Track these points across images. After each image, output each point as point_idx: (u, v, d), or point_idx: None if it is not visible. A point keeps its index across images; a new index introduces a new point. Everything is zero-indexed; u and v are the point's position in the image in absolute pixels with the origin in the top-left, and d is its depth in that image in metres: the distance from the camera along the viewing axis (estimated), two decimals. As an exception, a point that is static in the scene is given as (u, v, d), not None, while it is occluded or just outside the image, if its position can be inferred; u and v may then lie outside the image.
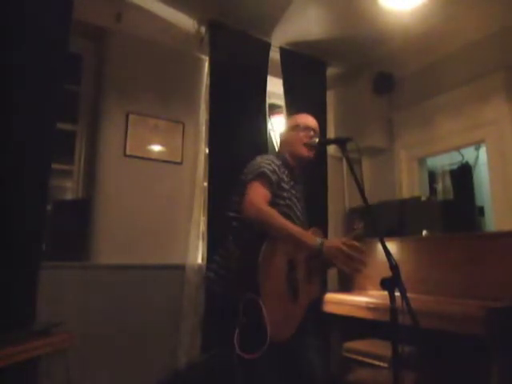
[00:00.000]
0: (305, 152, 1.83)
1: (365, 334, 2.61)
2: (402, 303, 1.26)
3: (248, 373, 1.52)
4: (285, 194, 1.73)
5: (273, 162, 1.71)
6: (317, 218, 3.00)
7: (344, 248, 1.46)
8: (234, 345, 1.42)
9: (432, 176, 3.91)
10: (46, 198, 2.16)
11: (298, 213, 1.81)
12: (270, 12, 2.90)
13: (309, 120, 1.90)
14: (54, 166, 2.33)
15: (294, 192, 1.79)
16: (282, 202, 1.71)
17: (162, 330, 2.62)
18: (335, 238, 1.61)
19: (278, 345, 1.47)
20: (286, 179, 1.76)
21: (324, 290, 2.88)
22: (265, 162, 1.69)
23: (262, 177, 1.63)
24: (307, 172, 1.97)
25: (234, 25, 2.97)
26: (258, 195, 1.59)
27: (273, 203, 1.66)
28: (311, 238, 1.55)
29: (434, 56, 3.17)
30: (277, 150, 1.99)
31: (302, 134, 1.84)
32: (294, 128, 1.88)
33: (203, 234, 2.85)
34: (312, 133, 1.86)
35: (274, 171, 1.67)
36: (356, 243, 1.49)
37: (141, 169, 2.77)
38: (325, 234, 1.97)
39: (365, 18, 2.90)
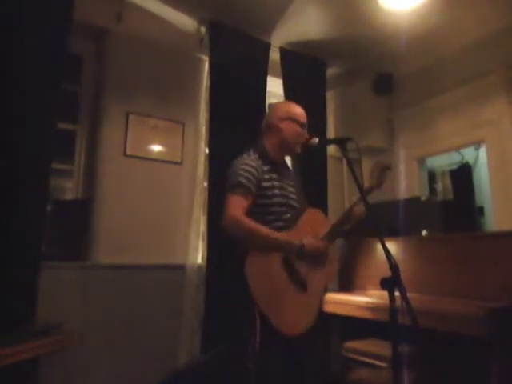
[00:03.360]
0: (298, 149, 1.87)
1: (365, 334, 2.60)
2: (402, 303, 1.27)
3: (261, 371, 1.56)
4: (269, 193, 1.74)
5: (250, 165, 1.73)
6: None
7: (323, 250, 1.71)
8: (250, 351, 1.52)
9: (432, 176, 3.90)
10: (46, 197, 2.16)
11: (293, 202, 1.82)
12: (270, 12, 2.90)
13: (304, 115, 1.91)
14: (54, 166, 2.33)
15: (277, 184, 1.79)
16: (267, 201, 1.73)
17: (162, 330, 2.62)
18: (312, 240, 1.70)
19: (296, 338, 1.57)
20: (267, 177, 1.76)
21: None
22: (242, 169, 1.71)
23: (237, 187, 1.68)
24: (298, 162, 1.99)
25: (234, 25, 2.97)
26: (234, 208, 1.64)
27: (259, 205, 1.71)
28: (290, 244, 1.66)
29: (433, 56, 3.17)
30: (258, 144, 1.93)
31: (299, 130, 1.85)
32: (292, 120, 1.86)
33: (203, 234, 2.85)
34: (306, 132, 1.88)
35: (251, 176, 1.70)
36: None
37: (141, 169, 2.77)
38: (324, 212, 2.02)
39: (365, 18, 2.90)
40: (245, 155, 1.81)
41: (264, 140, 1.91)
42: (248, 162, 1.74)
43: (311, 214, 1.85)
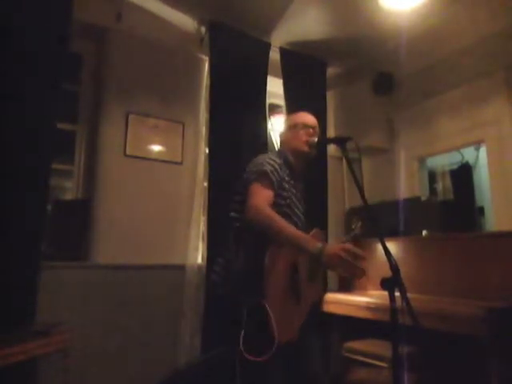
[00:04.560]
0: (306, 148, 1.81)
1: (365, 334, 2.60)
2: (402, 303, 1.26)
3: (252, 374, 1.52)
4: (285, 194, 1.73)
5: (274, 161, 1.71)
6: (317, 217, 3.00)
7: (344, 255, 1.40)
8: (238, 347, 1.41)
9: (432, 176, 3.90)
10: (46, 197, 2.16)
11: (299, 212, 1.80)
12: (270, 12, 2.90)
13: (307, 118, 1.89)
14: (54, 166, 2.33)
15: (294, 191, 1.79)
16: (282, 201, 1.71)
17: (162, 330, 2.62)
18: (335, 244, 1.52)
19: (279, 346, 1.48)
20: (286, 178, 1.75)
21: (325, 290, 2.89)
22: (266, 161, 1.69)
23: (263, 177, 1.63)
24: (308, 172, 1.96)
25: (234, 25, 2.97)
26: (260, 198, 1.58)
27: (274, 203, 1.65)
28: (312, 243, 1.48)
29: (433, 56, 3.17)
30: (277, 149, 1.98)
31: (301, 132, 1.84)
32: (293, 127, 1.87)
33: (203, 234, 2.85)
34: (311, 130, 1.85)
35: (275, 170, 1.67)
36: (356, 249, 1.44)
37: (141, 169, 2.77)
38: (325, 235, 1.95)
39: (365, 18, 2.90)
40: (269, 153, 1.82)
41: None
42: (272, 158, 1.73)
43: (316, 235, 1.79)
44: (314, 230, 1.82)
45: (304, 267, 1.70)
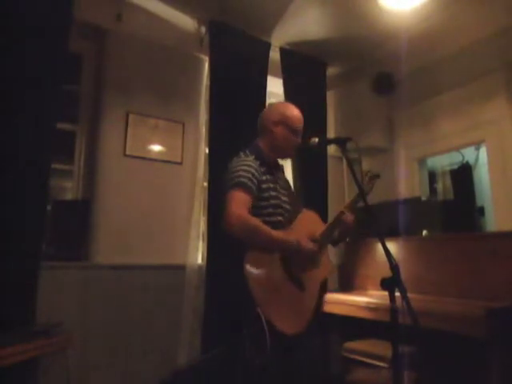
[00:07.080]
0: (291, 154, 1.93)
1: (365, 334, 2.60)
2: (402, 303, 1.26)
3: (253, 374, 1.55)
4: (266, 195, 1.73)
5: (250, 165, 1.71)
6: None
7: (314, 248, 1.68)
8: (245, 353, 1.50)
9: (432, 176, 3.90)
10: (46, 197, 2.16)
11: (286, 205, 1.80)
12: (270, 12, 2.90)
13: (299, 119, 1.88)
14: (54, 165, 2.33)
15: (272, 186, 1.78)
16: (265, 203, 1.72)
17: (162, 329, 2.62)
18: (305, 240, 1.68)
19: (292, 338, 1.55)
20: (264, 178, 1.75)
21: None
22: (242, 169, 1.69)
23: (239, 186, 1.64)
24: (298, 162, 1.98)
25: (234, 25, 2.97)
26: (236, 204, 1.59)
27: (256, 207, 1.68)
28: (289, 240, 1.63)
29: (433, 56, 3.17)
30: (254, 148, 1.90)
31: (294, 138, 1.84)
32: (289, 128, 1.84)
33: (203, 234, 2.85)
34: (300, 139, 1.87)
35: (252, 176, 1.68)
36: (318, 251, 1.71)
37: (141, 169, 2.77)
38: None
39: (365, 18, 2.90)
40: (242, 155, 1.78)
41: (259, 141, 1.90)
42: (248, 163, 1.72)
43: (306, 216, 1.84)
44: (303, 212, 1.84)
45: (295, 256, 1.69)
